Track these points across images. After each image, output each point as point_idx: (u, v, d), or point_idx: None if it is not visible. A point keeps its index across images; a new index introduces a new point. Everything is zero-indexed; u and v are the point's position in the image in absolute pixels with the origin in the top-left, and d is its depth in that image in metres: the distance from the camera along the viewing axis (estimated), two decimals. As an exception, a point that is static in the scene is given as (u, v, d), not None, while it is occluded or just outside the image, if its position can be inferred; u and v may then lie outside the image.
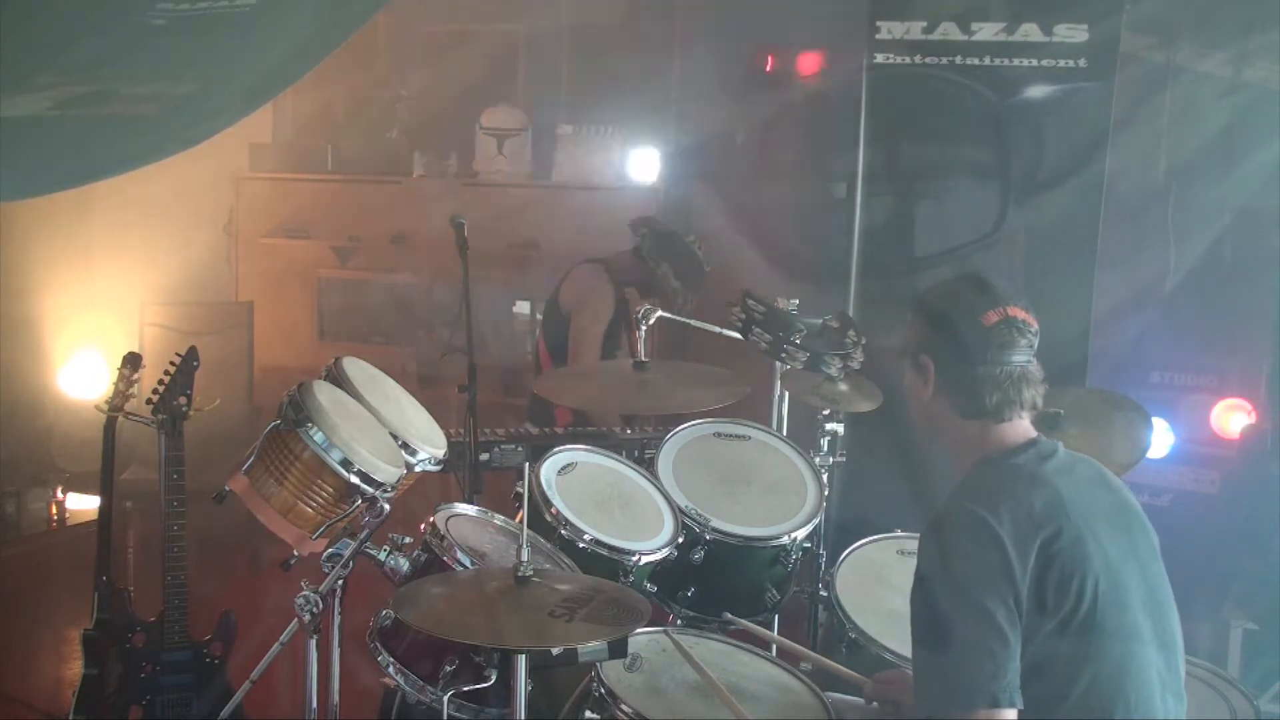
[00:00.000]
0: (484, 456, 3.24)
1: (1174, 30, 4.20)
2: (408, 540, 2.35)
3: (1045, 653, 1.82)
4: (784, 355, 2.82)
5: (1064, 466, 1.98)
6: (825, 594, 2.73)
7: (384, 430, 2.43)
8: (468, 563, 2.27)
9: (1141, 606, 1.90)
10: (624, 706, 2.10)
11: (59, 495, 5.34)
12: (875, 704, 2.34)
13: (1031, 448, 1.98)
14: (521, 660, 1.93)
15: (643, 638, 2.33)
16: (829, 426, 2.97)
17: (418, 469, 2.46)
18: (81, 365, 5.53)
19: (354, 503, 2.29)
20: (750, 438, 3.01)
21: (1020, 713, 1.79)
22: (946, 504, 1.97)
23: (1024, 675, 1.80)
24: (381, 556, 2.29)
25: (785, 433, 3.14)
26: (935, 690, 1.85)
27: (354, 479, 2.27)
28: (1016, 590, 1.81)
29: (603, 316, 4.06)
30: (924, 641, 1.88)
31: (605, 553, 2.51)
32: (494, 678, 2.08)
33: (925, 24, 3.85)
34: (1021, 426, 2.00)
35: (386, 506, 2.29)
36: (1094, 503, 1.95)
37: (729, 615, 2.65)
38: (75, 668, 3.31)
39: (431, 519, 2.37)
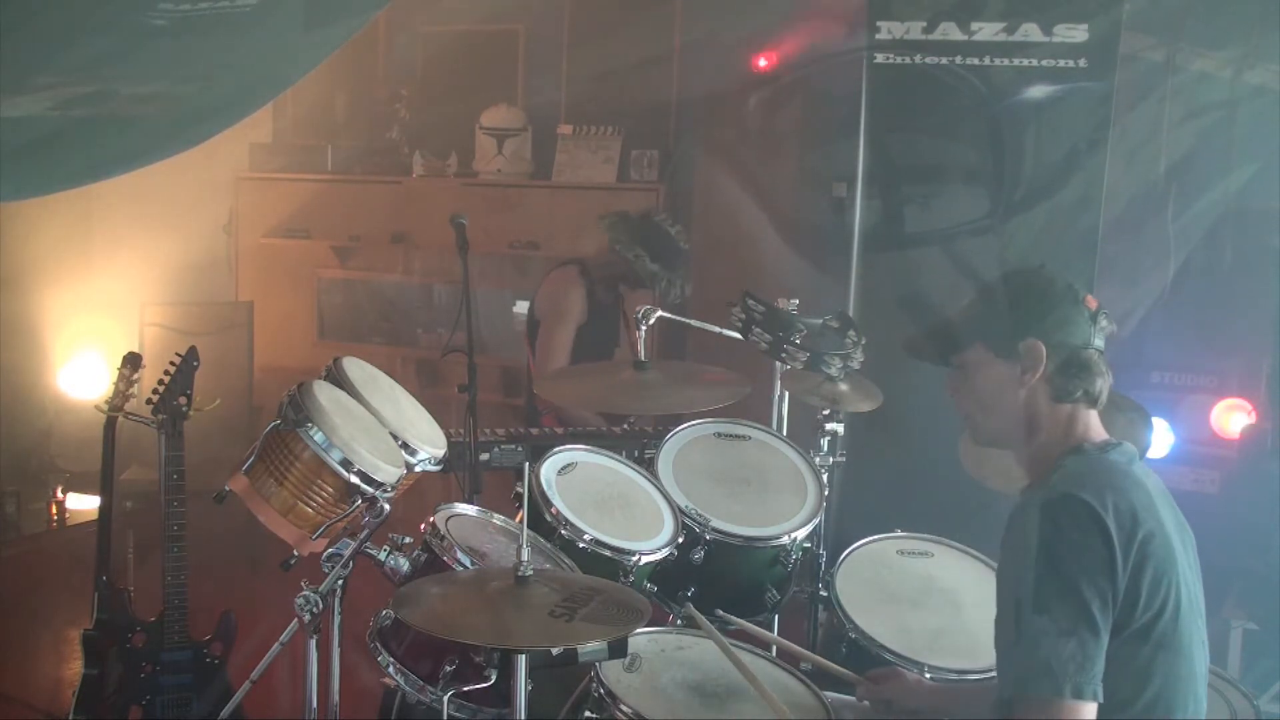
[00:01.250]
0: (484, 456, 3.24)
1: (1174, 30, 4.20)
2: (408, 540, 2.35)
3: (1124, 653, 1.81)
4: (784, 355, 2.82)
5: (1146, 472, 1.98)
6: (825, 594, 2.73)
7: (384, 430, 2.43)
8: (468, 563, 2.27)
9: (1198, 619, 1.91)
10: (624, 706, 2.10)
11: (59, 495, 5.34)
12: (868, 703, 2.35)
13: (1117, 447, 1.98)
14: (521, 660, 1.93)
15: (643, 638, 2.34)
16: (829, 426, 2.97)
17: (418, 469, 2.46)
18: (81, 365, 5.53)
19: (354, 503, 2.29)
20: (750, 438, 3.01)
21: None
22: (1047, 488, 1.92)
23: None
24: (381, 556, 2.28)
25: (785, 433, 3.14)
26: (1019, 673, 1.82)
27: (354, 479, 2.27)
28: (1115, 583, 1.80)
29: (568, 320, 3.99)
30: (1012, 623, 1.86)
31: (605, 553, 2.51)
32: (494, 678, 2.08)
33: (925, 24, 3.85)
34: (1099, 420, 2.01)
35: (386, 506, 2.29)
36: (1169, 511, 1.95)
37: (721, 613, 2.65)
38: (75, 668, 3.31)
39: (431, 519, 2.37)
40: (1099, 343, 2.00)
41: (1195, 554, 2.00)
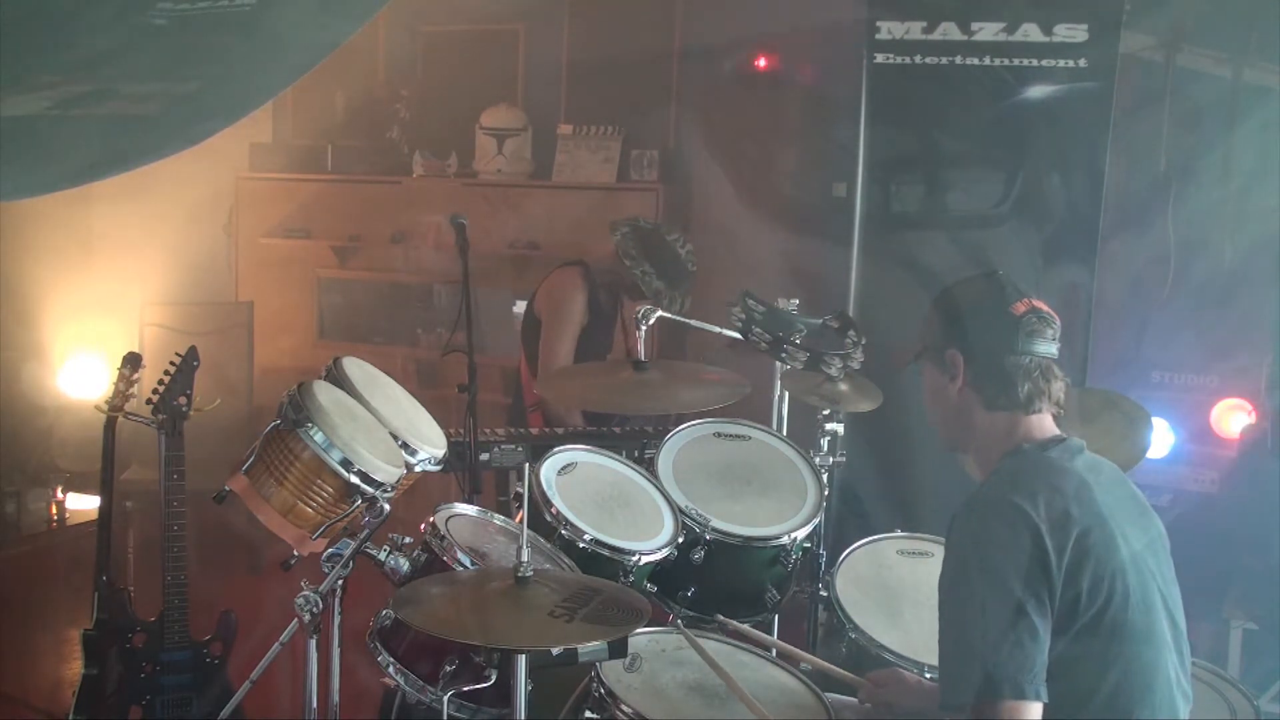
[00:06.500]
0: (484, 456, 3.24)
1: (1174, 30, 4.20)
2: (408, 540, 2.35)
3: (1073, 651, 1.81)
4: (784, 355, 2.82)
5: (1092, 464, 1.98)
6: (825, 594, 2.73)
7: (384, 430, 2.43)
8: (468, 563, 2.27)
9: (1161, 608, 1.90)
10: (624, 706, 2.10)
11: (59, 495, 5.34)
12: (869, 704, 2.35)
13: (1060, 443, 1.98)
14: (521, 660, 1.93)
15: (643, 638, 2.33)
16: (829, 426, 2.97)
17: (418, 469, 2.46)
18: (81, 365, 5.53)
19: (354, 503, 2.29)
20: (750, 438, 3.01)
21: (1044, 708, 1.78)
22: (981, 491, 1.95)
23: (1050, 672, 1.79)
24: (381, 556, 2.29)
25: (785, 433, 3.14)
26: (961, 678, 1.83)
27: (354, 479, 2.27)
28: (1051, 582, 1.80)
29: (571, 322, 3.93)
30: (952, 628, 1.87)
31: (605, 553, 2.51)
32: (494, 678, 2.08)
33: (925, 24, 3.85)
34: (1047, 421, 2.01)
35: (386, 506, 2.29)
36: (1120, 502, 1.95)
37: (721, 618, 2.65)
38: (75, 668, 3.31)
39: (431, 519, 2.37)
40: (1038, 348, 1.99)
41: (1163, 543, 1.99)
